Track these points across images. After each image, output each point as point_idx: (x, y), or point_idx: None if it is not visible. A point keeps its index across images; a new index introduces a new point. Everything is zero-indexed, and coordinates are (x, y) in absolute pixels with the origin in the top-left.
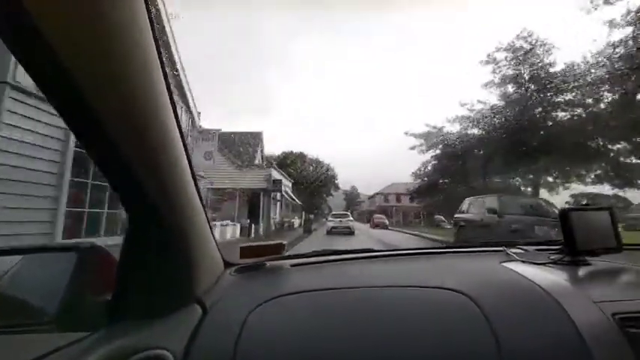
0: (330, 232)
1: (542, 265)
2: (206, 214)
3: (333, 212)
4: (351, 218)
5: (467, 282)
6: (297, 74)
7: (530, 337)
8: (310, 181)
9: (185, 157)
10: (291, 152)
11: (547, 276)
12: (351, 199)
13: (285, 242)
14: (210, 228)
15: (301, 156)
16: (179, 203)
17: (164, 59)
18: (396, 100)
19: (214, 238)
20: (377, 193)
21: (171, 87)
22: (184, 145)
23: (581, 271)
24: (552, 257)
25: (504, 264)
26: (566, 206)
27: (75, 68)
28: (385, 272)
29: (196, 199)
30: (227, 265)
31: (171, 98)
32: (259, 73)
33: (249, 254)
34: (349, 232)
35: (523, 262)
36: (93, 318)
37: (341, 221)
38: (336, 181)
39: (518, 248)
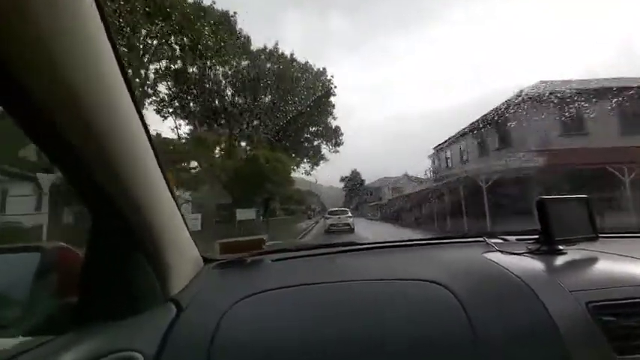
0: (329, 230)
1: (520, 255)
2: (180, 210)
3: (331, 209)
4: (350, 215)
5: (446, 274)
6: None
7: (505, 327)
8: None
9: (152, 153)
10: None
11: (524, 266)
12: (353, 188)
13: (265, 237)
14: (186, 225)
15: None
16: (146, 200)
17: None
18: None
19: (190, 234)
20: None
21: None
22: (150, 141)
23: (558, 261)
24: (530, 247)
25: (485, 254)
26: (543, 196)
27: (26, 71)
28: (367, 265)
29: (167, 196)
30: (206, 261)
31: (130, 91)
32: None
33: (229, 250)
34: (349, 229)
35: (502, 252)
36: (58, 320)
37: (339, 218)
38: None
39: (499, 238)
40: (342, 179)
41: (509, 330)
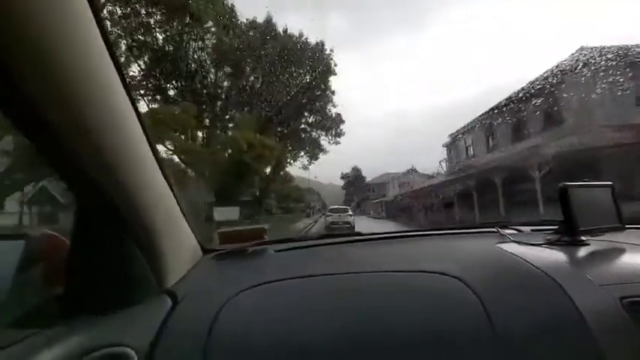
0: (330, 227)
1: (539, 247)
2: (177, 198)
3: (331, 207)
4: (351, 213)
5: (459, 265)
6: None
7: (527, 321)
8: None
9: (144, 136)
10: None
11: (545, 257)
12: (355, 184)
13: (267, 226)
14: (183, 213)
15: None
16: (138, 186)
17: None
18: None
19: (189, 223)
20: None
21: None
22: (141, 122)
23: (582, 252)
24: (549, 238)
25: (499, 245)
26: (566, 183)
27: (20, 68)
28: (374, 256)
29: (161, 183)
30: (206, 251)
31: (119, 69)
32: None
33: (229, 239)
34: (350, 227)
35: (518, 243)
36: (43, 313)
37: (340, 216)
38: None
39: (512, 229)
40: (343, 176)
41: (532, 324)
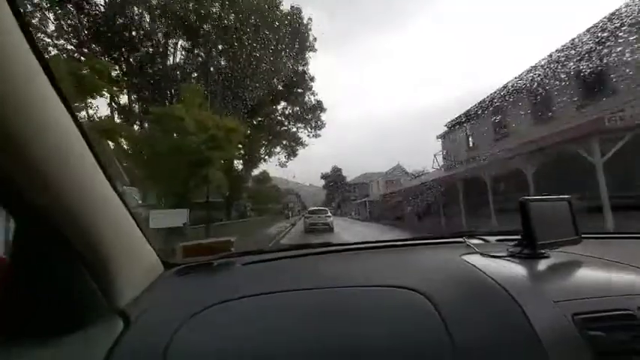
0: (309, 229)
1: (501, 259)
2: (130, 210)
3: (310, 209)
4: (330, 214)
5: (425, 279)
6: None
7: (485, 338)
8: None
9: (87, 147)
10: None
11: (505, 271)
12: (336, 184)
13: (233, 239)
14: (139, 225)
15: None
16: (81, 198)
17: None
18: None
19: (146, 236)
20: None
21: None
22: (79, 125)
23: (541, 266)
24: (511, 250)
25: (464, 257)
26: (526, 197)
27: None
28: (343, 270)
29: (109, 193)
30: (168, 266)
31: (50, 74)
32: None
33: (193, 253)
34: (329, 228)
35: (482, 254)
36: None
37: (319, 217)
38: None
39: (479, 238)
40: (323, 176)
41: (488, 341)
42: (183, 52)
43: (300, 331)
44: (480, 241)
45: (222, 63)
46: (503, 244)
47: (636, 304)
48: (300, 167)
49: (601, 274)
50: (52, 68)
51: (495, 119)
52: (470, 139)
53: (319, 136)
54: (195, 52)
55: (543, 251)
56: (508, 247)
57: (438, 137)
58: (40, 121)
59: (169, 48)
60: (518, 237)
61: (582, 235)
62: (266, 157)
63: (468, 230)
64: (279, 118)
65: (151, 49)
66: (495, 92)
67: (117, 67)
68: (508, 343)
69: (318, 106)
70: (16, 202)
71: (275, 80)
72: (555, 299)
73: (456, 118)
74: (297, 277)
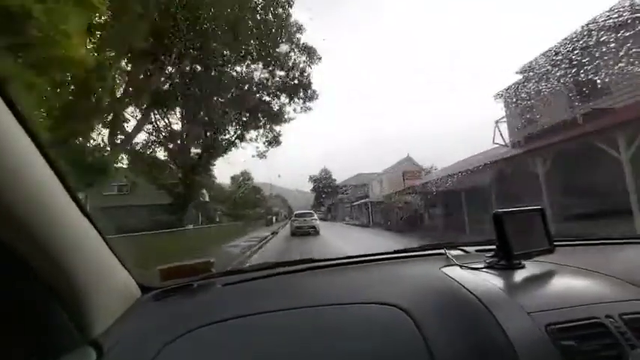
0: (295, 233)
1: (478, 271)
2: (101, 233)
3: (297, 212)
4: (316, 217)
5: (405, 294)
6: None
7: (463, 352)
8: None
9: (49, 169)
10: None
11: (482, 284)
12: (324, 189)
13: (213, 259)
14: (111, 248)
15: None
16: (50, 226)
17: None
18: None
19: (121, 259)
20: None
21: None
22: (39, 146)
23: (516, 277)
24: (488, 261)
25: (443, 269)
26: (500, 209)
27: None
28: (325, 287)
29: (79, 218)
30: (145, 290)
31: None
32: None
33: (171, 276)
34: (315, 232)
35: (461, 266)
36: None
37: (305, 220)
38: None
39: (459, 249)
40: (311, 179)
41: (467, 353)
42: None
43: (284, 351)
44: (460, 252)
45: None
46: (482, 254)
47: (605, 311)
48: (289, 172)
49: (572, 283)
50: None
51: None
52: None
53: (310, 109)
54: None
55: (518, 262)
56: (486, 259)
57: (496, 96)
58: None
59: None
60: (495, 247)
61: (555, 244)
62: (236, 140)
63: (448, 242)
64: (254, 88)
65: None
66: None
67: None
68: (486, 355)
69: (309, 56)
70: None
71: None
72: (529, 310)
73: (528, 66)
74: (279, 296)
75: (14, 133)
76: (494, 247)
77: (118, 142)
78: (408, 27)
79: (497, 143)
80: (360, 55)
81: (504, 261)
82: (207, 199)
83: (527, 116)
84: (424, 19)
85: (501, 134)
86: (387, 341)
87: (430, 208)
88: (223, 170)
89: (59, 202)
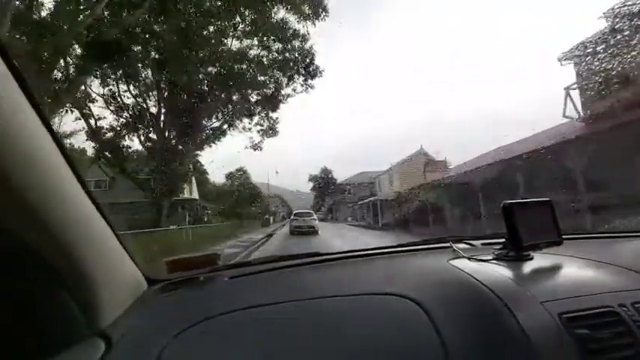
0: (294, 232)
1: (488, 262)
2: (110, 225)
3: (296, 211)
4: (315, 217)
5: (413, 285)
6: None
7: (477, 340)
8: None
9: (63, 159)
10: None
11: (493, 274)
12: (326, 186)
13: (220, 252)
14: (120, 241)
15: None
16: (52, 214)
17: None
18: None
19: (129, 252)
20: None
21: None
22: (53, 136)
23: (526, 268)
24: (496, 253)
25: (451, 261)
26: (508, 201)
27: None
28: (332, 279)
29: (90, 210)
30: (151, 282)
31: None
32: None
33: (178, 268)
34: (313, 231)
35: (469, 258)
36: None
37: (304, 220)
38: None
39: (465, 243)
40: (311, 178)
41: (480, 344)
42: None
43: (292, 343)
44: (467, 246)
45: None
46: (489, 247)
47: (617, 300)
48: (289, 172)
49: (583, 273)
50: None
51: None
52: None
53: (312, 87)
54: None
55: (527, 253)
56: (494, 251)
57: (563, 59)
58: (11, 130)
59: None
60: (503, 240)
61: (563, 237)
62: (224, 126)
63: (454, 235)
64: (244, 66)
65: None
66: None
67: None
68: (500, 344)
69: (313, 12)
70: None
71: None
72: (542, 299)
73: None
74: (286, 288)
75: (32, 121)
76: (500, 240)
77: None
78: (408, 27)
79: (567, 117)
80: (359, 55)
81: (513, 252)
82: (195, 196)
83: (615, 80)
84: (424, 19)
85: (574, 104)
86: (398, 331)
87: (466, 201)
88: (217, 173)
89: (71, 190)
